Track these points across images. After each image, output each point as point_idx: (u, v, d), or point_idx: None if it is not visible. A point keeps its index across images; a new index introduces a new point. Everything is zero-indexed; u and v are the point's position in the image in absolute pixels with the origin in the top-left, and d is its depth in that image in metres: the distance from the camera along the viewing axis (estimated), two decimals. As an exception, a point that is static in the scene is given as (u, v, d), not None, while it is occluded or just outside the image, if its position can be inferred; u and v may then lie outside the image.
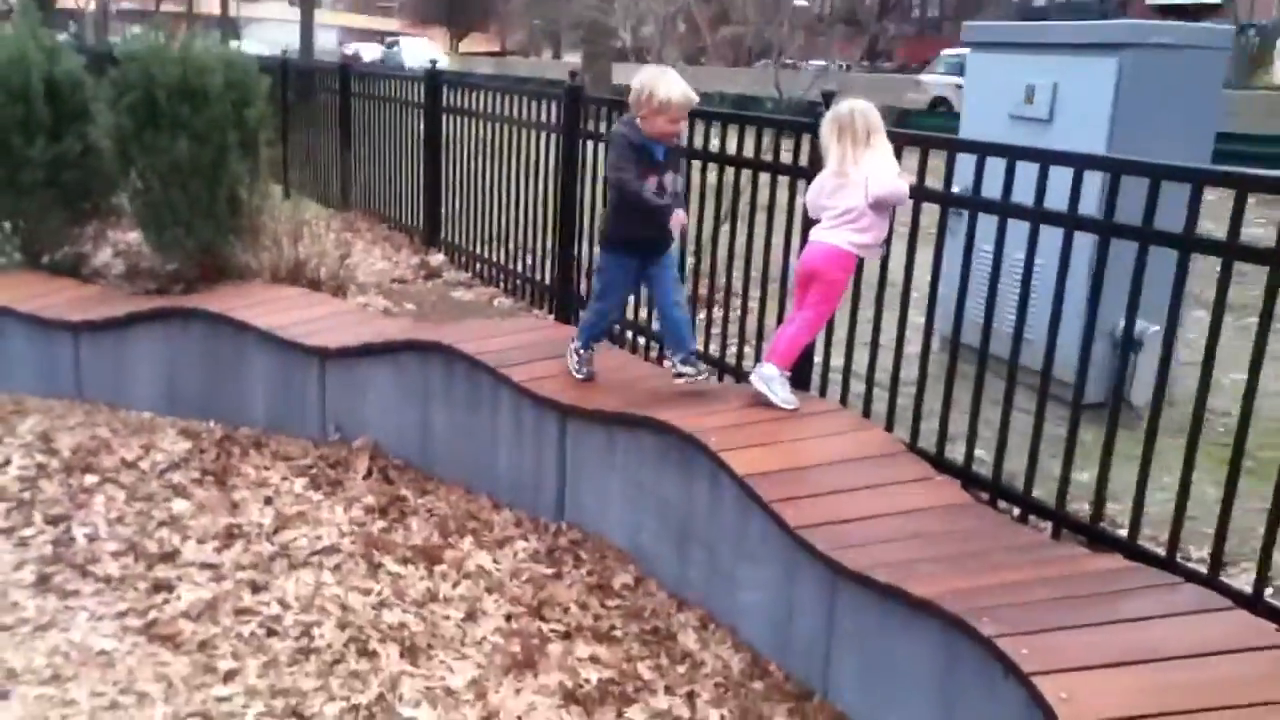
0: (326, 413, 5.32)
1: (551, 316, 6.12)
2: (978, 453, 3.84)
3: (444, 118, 7.44)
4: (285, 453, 5.16)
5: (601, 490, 4.25)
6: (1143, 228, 3.29)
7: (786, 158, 4.50)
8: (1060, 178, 3.49)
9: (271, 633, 3.63)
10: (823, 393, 4.37)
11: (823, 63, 16.65)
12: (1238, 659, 2.59)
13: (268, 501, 4.64)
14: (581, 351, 4.43)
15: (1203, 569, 3.15)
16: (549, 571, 4.06)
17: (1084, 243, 3.60)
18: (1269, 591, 3.08)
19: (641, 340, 5.27)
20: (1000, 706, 2.60)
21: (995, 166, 3.69)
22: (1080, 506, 3.65)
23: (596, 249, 4.61)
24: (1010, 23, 6.23)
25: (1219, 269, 3.14)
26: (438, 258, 7.59)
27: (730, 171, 4.87)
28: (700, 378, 4.16)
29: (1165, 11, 60.28)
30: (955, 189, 4.07)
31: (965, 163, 3.95)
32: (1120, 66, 4.64)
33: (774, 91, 11.34)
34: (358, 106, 8.83)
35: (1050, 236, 3.53)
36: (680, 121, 4.07)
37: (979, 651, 2.67)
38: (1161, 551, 3.24)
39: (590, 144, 5.68)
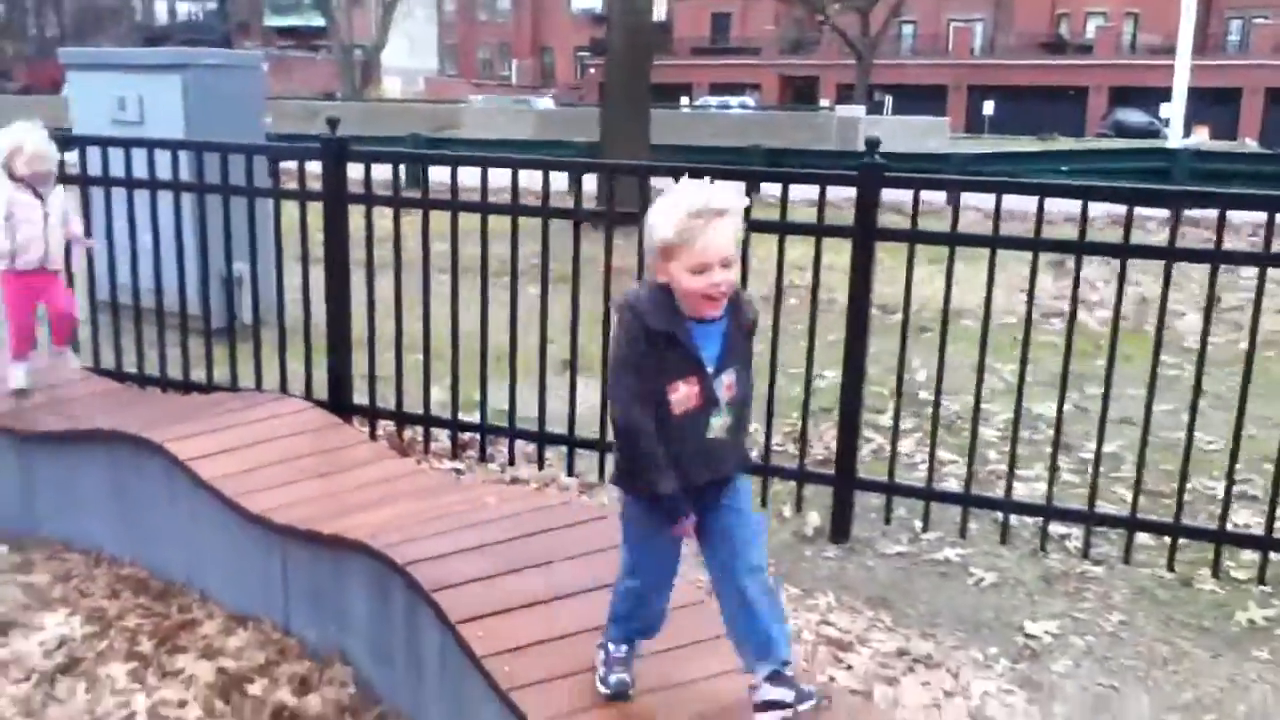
0: None
1: None
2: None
3: None
4: None
5: None
6: (222, 185, 4.91)
7: None
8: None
9: None
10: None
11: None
12: (285, 422, 4.47)
13: None
14: (612, 649, 2.67)
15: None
16: None
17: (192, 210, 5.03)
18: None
19: None
20: (151, 467, 4.15)
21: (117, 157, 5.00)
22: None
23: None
24: (102, 49, 7.64)
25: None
26: None
27: None
28: (801, 707, 2.44)
29: (282, 33, 65.24)
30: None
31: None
32: (184, 81, 6.41)
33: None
34: None
35: (165, 208, 4.97)
36: (714, 269, 2.28)
37: (143, 451, 4.16)
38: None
39: None
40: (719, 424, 2.41)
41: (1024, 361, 4.16)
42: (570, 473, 4.82)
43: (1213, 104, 45.48)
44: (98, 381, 4.97)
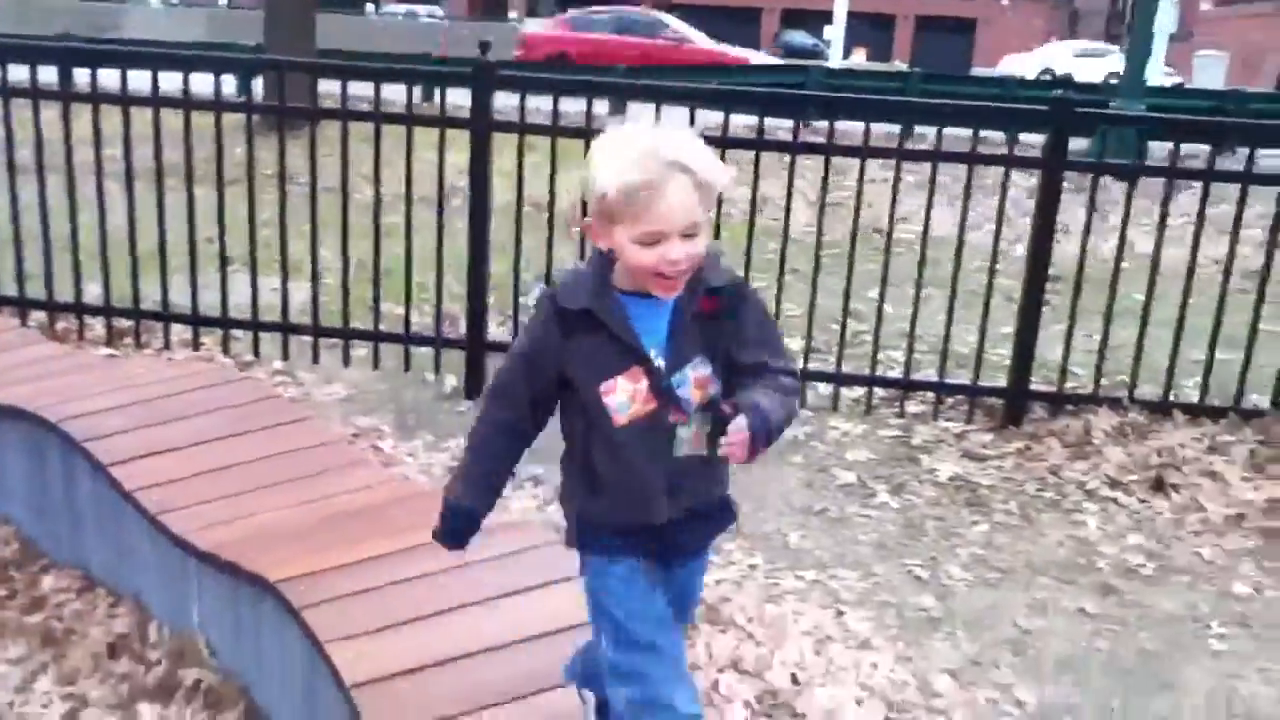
0: None
1: None
2: None
3: None
4: None
5: None
6: None
7: None
8: None
9: None
10: None
11: None
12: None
13: None
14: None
15: None
16: None
17: None
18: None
19: None
20: None
21: None
22: None
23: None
24: None
25: None
26: None
27: None
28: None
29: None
30: None
31: None
32: None
33: None
34: None
35: None
36: (672, 241, 1.66)
37: None
38: None
39: None
40: (689, 434, 1.77)
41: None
42: (226, 353, 5.17)
43: (872, 28, 49.29)
44: None
